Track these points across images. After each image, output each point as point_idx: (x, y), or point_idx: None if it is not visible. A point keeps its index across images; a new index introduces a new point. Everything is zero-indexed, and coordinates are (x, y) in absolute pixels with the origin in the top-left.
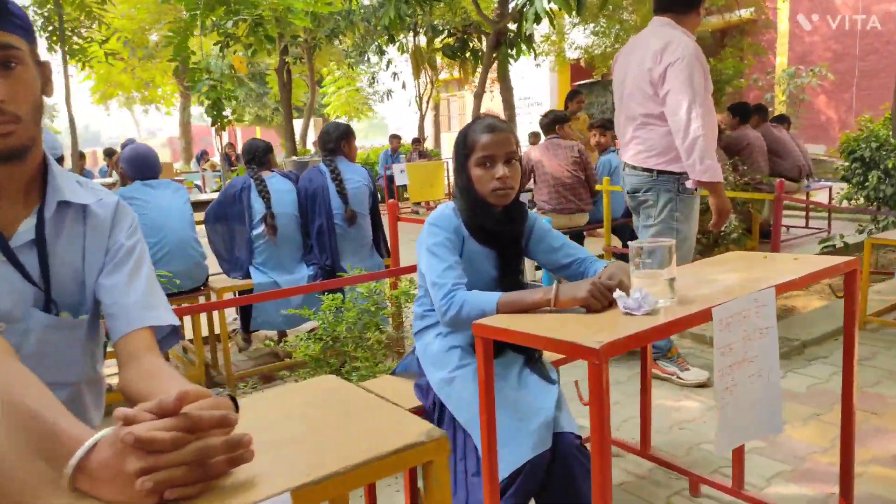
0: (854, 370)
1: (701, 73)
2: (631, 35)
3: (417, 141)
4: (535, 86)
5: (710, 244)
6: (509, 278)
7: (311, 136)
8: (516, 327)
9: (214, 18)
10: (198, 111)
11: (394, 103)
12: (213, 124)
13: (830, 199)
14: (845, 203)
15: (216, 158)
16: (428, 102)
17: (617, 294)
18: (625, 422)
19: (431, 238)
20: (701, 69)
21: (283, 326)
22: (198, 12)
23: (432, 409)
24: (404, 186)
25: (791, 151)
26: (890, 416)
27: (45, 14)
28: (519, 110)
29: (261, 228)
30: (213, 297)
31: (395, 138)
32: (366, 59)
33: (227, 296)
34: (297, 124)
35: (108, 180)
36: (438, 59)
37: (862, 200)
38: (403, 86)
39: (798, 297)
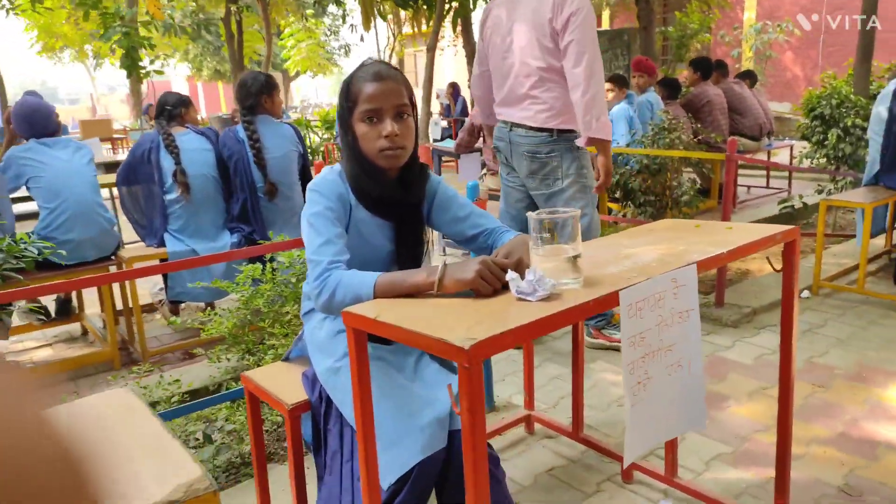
0: (792, 350)
1: (595, 28)
2: None
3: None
4: None
5: (661, 206)
6: (407, 252)
7: None
8: (385, 317)
9: None
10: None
11: (359, 58)
12: (128, 75)
13: (791, 158)
14: (806, 163)
15: None
16: (390, 57)
17: (510, 276)
18: (563, 398)
19: (310, 207)
20: (595, 23)
21: (204, 298)
22: None
23: (318, 403)
24: None
25: (752, 109)
26: (836, 388)
27: None
28: None
29: (175, 192)
30: (124, 269)
31: None
32: (326, 10)
33: (138, 266)
34: None
35: None
36: (403, 12)
37: (822, 160)
38: (362, 38)
39: (753, 260)
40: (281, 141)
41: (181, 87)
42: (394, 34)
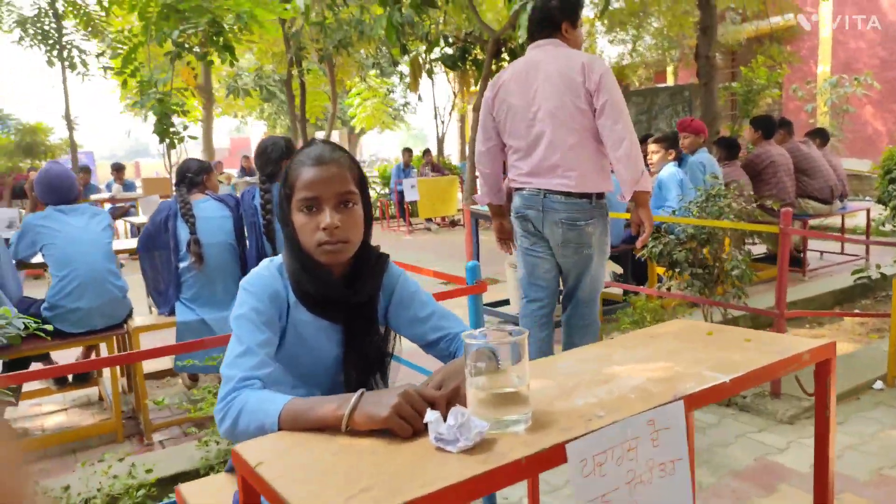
0: (828, 492)
1: None
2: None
3: (428, 153)
4: None
5: (710, 281)
6: (359, 358)
7: None
8: (266, 468)
9: (166, 29)
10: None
11: (424, 115)
12: (160, 141)
13: (868, 221)
14: (887, 228)
15: (234, 171)
16: (450, 114)
17: (429, 416)
18: None
19: (236, 308)
20: None
21: (213, 371)
22: (149, 22)
23: None
24: (416, 202)
25: (821, 169)
26: None
27: (45, 27)
28: None
29: (189, 260)
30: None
31: (406, 152)
32: (388, 70)
33: (143, 336)
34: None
35: (110, 194)
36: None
37: None
38: (420, 98)
39: (821, 339)
40: None
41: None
42: (454, 92)
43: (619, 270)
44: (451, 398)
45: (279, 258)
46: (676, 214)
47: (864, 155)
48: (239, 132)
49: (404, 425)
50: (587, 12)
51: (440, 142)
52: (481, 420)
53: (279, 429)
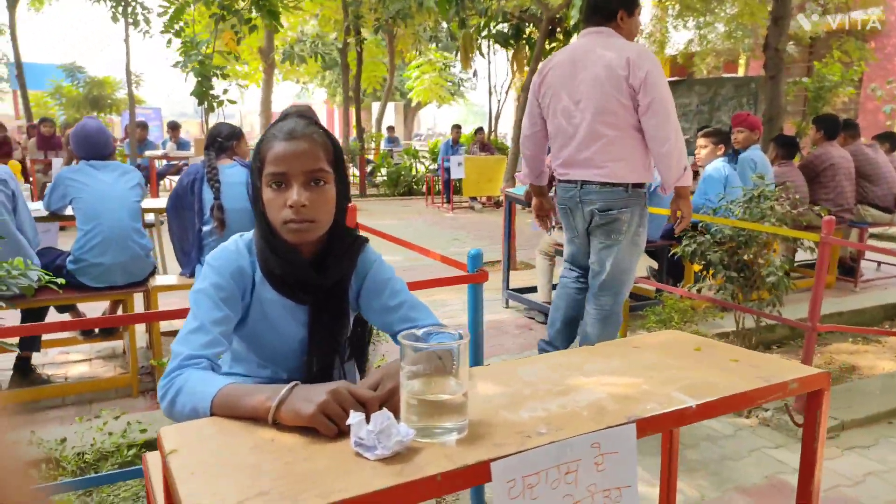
0: None
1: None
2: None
3: (480, 131)
4: None
5: (745, 285)
6: (325, 341)
7: (390, 120)
8: (176, 458)
9: None
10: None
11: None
12: (199, 103)
13: None
14: None
15: None
16: (507, 92)
17: (352, 418)
18: None
19: (198, 282)
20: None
21: None
22: None
23: None
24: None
25: (886, 176)
26: None
27: None
28: None
29: (211, 224)
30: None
31: (455, 128)
32: (448, 44)
33: (162, 295)
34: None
35: (163, 152)
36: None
37: None
38: (475, 74)
39: (863, 354)
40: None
41: (320, 111)
42: (513, 71)
43: (655, 265)
44: (386, 400)
45: (250, 233)
46: (716, 213)
47: None
48: (299, 98)
49: (329, 425)
50: None
51: (495, 120)
52: (409, 427)
53: (212, 414)
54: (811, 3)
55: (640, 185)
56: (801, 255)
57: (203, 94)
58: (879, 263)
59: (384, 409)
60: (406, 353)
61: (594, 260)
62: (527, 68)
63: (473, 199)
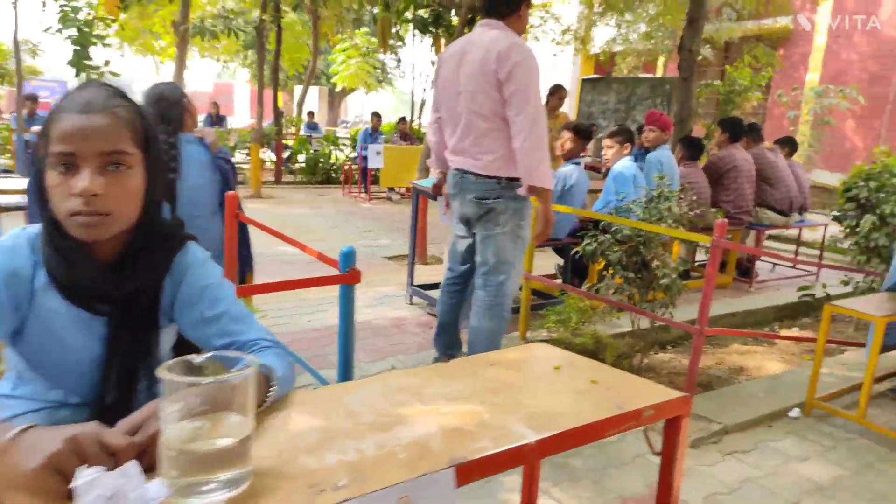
0: None
1: (538, 79)
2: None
3: (403, 120)
4: (557, 78)
5: (642, 285)
6: (123, 362)
7: (313, 105)
8: None
9: None
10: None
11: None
12: (76, 74)
13: (824, 239)
14: (843, 248)
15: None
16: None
17: (81, 476)
18: None
19: None
20: (539, 74)
21: None
22: None
23: None
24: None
25: (784, 180)
26: None
27: None
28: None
29: None
30: None
31: (375, 116)
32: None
33: None
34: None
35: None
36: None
37: (855, 249)
38: (399, 60)
39: (752, 354)
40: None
41: (243, 92)
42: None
43: (560, 261)
44: (147, 447)
45: (37, 226)
46: (618, 213)
47: (839, 169)
48: (220, 77)
49: (57, 486)
50: None
51: (419, 109)
52: (165, 486)
53: None
54: (727, 9)
55: (516, 180)
56: (704, 256)
57: (80, 64)
58: (774, 265)
59: (136, 460)
60: (167, 388)
61: (478, 251)
62: None
63: (391, 189)
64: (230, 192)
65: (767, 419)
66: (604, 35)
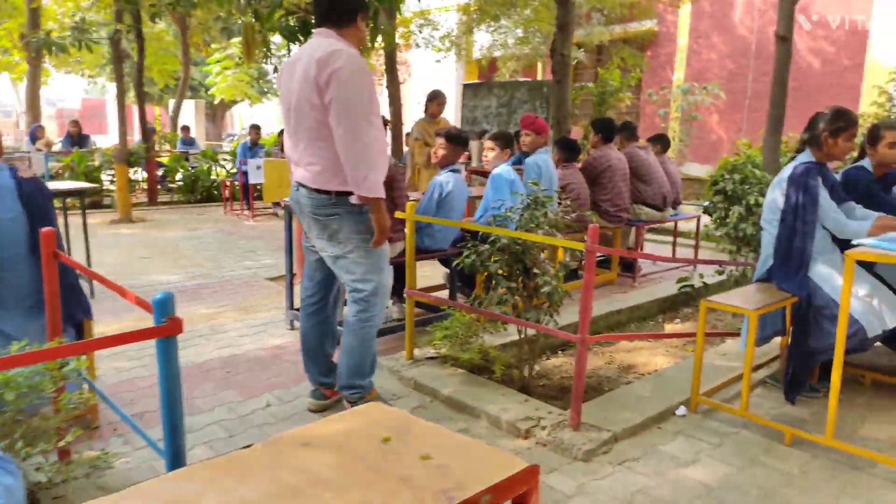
0: None
1: (368, 85)
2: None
3: (283, 133)
4: (442, 84)
5: (525, 294)
6: None
7: (190, 119)
8: None
9: None
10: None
11: None
12: None
13: (698, 229)
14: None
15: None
16: None
17: None
18: None
19: None
20: (368, 80)
21: None
22: None
23: None
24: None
25: (656, 176)
26: None
27: None
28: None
29: None
30: None
31: (254, 129)
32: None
33: None
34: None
35: None
36: None
37: (725, 239)
38: (275, 70)
39: (640, 351)
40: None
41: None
42: None
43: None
44: None
45: None
46: (496, 221)
47: (708, 161)
48: (87, 93)
49: None
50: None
51: None
52: None
53: None
54: (596, 14)
55: (348, 193)
56: None
57: None
58: (655, 259)
59: None
60: None
61: (334, 270)
62: None
63: (276, 204)
64: (46, 229)
65: (656, 420)
66: (484, 41)
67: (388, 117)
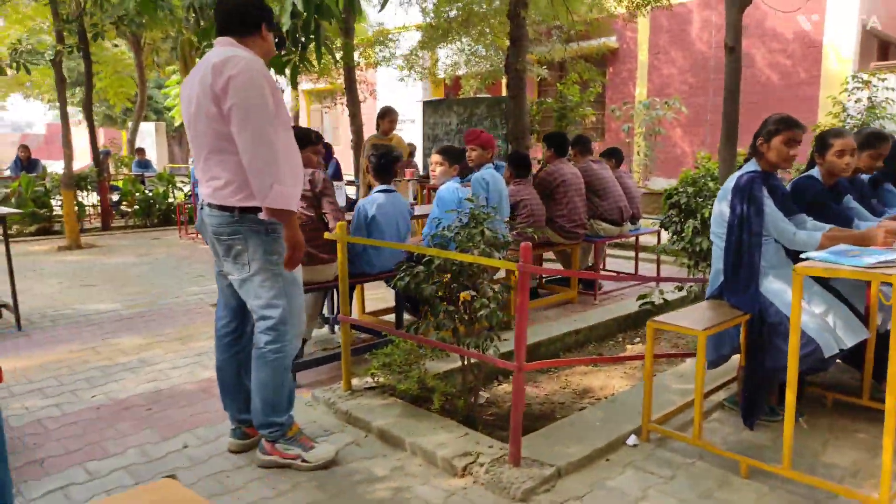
0: None
1: (269, 91)
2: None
3: None
4: (406, 103)
5: (465, 320)
6: None
7: (150, 142)
8: None
9: None
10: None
11: None
12: None
13: (659, 244)
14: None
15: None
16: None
17: None
18: None
19: None
20: (269, 87)
21: None
22: None
23: None
24: None
25: (611, 190)
26: None
27: None
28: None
29: None
30: None
31: None
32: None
33: None
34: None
35: None
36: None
37: (682, 252)
38: None
39: (596, 373)
40: None
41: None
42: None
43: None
44: None
45: None
46: (434, 240)
47: (672, 175)
48: (56, 118)
49: None
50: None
51: None
52: None
53: None
54: (556, 30)
55: (252, 210)
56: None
57: None
58: (618, 273)
59: None
60: None
61: (242, 296)
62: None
63: None
64: None
65: (605, 452)
66: (446, 60)
67: (328, 140)
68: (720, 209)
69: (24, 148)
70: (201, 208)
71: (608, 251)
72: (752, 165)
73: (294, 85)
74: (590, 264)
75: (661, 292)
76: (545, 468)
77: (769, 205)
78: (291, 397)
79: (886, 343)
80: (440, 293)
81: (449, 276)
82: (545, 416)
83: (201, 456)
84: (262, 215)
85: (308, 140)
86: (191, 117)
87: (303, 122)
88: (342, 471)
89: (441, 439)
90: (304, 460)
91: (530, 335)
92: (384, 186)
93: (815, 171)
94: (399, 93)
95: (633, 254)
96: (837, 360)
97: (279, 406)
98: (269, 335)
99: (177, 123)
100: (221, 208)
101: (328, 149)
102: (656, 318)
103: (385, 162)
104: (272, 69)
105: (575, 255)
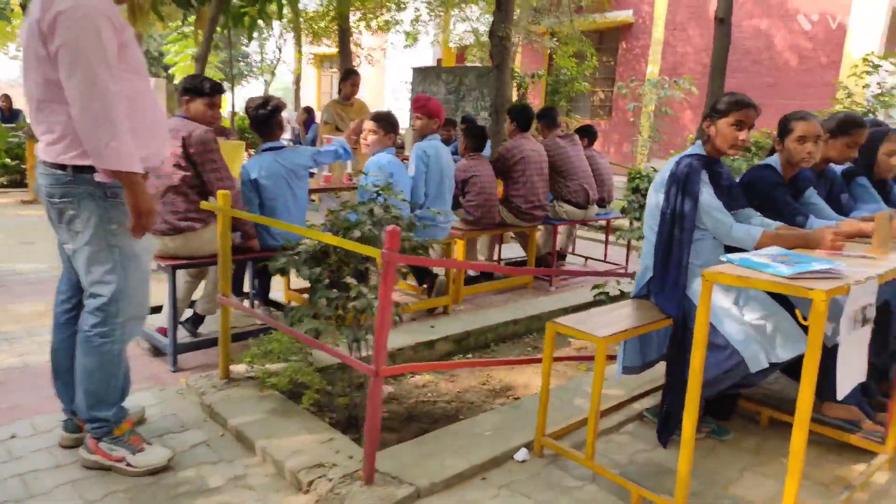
0: None
1: (110, 32)
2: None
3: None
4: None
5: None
6: None
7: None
8: None
9: None
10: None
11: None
12: None
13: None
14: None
15: None
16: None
17: None
18: None
19: None
20: (112, 25)
21: None
22: None
23: None
24: None
25: (578, 170)
26: None
27: None
28: (398, 94)
29: None
30: None
31: None
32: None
33: None
34: None
35: None
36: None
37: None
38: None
39: (523, 370)
40: None
41: None
42: (279, 48)
43: None
44: None
45: None
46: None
47: None
48: None
49: None
50: None
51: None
52: None
53: None
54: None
55: (88, 169)
56: (511, 253)
57: None
58: (587, 259)
59: None
60: None
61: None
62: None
63: None
64: None
65: (484, 468)
66: (460, 28)
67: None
68: (656, 199)
69: (6, 97)
70: (37, 165)
71: (578, 233)
72: (695, 149)
73: (250, 38)
74: (548, 251)
75: (618, 282)
76: (402, 487)
77: (707, 192)
78: (124, 389)
79: (831, 357)
80: (326, 279)
81: (334, 258)
82: (447, 418)
83: (24, 449)
84: (98, 176)
85: (199, 90)
86: (24, 61)
87: (310, 87)
88: (170, 480)
89: (299, 445)
90: (129, 464)
91: (464, 322)
92: (270, 144)
93: (774, 160)
94: (410, 60)
95: (603, 237)
96: (778, 372)
97: (106, 399)
98: (97, 316)
99: (176, 81)
100: (53, 166)
101: (310, 113)
102: (558, 320)
103: (263, 113)
104: (230, 21)
105: (532, 238)
